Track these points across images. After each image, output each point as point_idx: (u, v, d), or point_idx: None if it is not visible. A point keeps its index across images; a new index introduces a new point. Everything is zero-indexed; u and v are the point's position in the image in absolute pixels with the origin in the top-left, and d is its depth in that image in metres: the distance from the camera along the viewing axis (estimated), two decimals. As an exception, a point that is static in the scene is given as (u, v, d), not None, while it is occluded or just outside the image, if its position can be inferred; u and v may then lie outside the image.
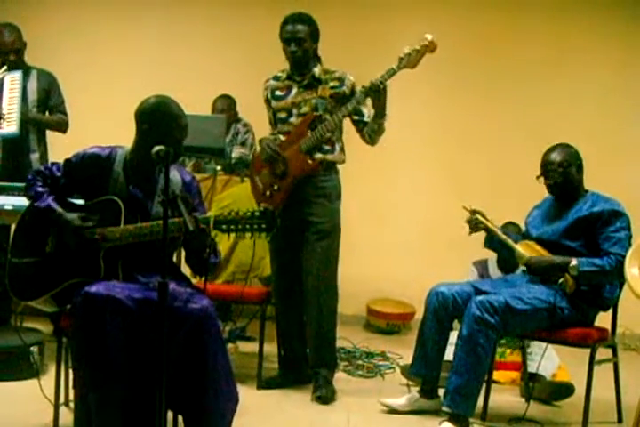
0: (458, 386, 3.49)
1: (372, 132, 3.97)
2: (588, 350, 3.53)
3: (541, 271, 3.64)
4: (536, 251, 3.70)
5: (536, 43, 5.85)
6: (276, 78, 4.10)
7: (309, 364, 4.07)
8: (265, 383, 4.08)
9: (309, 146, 3.91)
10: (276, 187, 3.99)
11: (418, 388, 3.87)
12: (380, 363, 4.72)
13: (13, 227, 3.30)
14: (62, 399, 3.35)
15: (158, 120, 3.03)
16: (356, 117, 3.99)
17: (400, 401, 3.80)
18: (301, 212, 3.96)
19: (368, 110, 3.96)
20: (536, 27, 5.86)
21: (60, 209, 3.07)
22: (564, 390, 4.06)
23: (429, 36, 3.73)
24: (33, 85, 4.72)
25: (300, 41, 3.92)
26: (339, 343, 4.41)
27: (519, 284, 3.75)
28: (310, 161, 3.92)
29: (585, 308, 3.62)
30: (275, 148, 3.94)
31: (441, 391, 3.71)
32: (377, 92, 3.77)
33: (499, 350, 4.19)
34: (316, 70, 4.00)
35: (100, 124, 5.48)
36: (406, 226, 5.89)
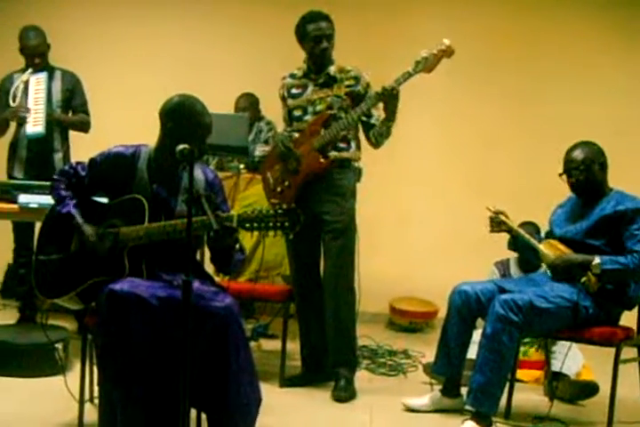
0: (481, 385, 3.48)
1: (379, 135, 3.98)
2: (613, 350, 3.51)
3: (564, 269, 3.62)
4: (559, 250, 3.68)
5: (559, 40, 5.81)
6: (293, 76, 4.11)
7: (330, 363, 4.07)
8: (287, 381, 4.09)
9: (322, 144, 3.92)
10: (287, 183, 4.00)
11: (440, 386, 3.87)
12: (403, 361, 4.71)
13: (38, 225, 3.34)
14: (87, 396, 3.38)
15: (182, 119, 3.05)
16: (364, 119, 3.99)
17: (422, 401, 3.80)
18: (315, 210, 3.95)
19: (378, 113, 3.96)
20: (559, 24, 5.82)
21: (79, 219, 3.10)
22: (589, 389, 4.04)
23: (447, 41, 3.72)
24: (57, 86, 4.77)
25: (329, 37, 3.94)
26: (361, 341, 4.42)
27: (542, 282, 3.73)
28: (322, 159, 3.92)
29: (609, 307, 3.59)
30: (288, 144, 3.95)
31: (464, 390, 3.70)
32: (390, 97, 3.77)
33: (522, 348, 4.18)
34: (332, 68, 4.00)
35: (121, 124, 5.49)
36: (429, 225, 5.88)
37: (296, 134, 4.03)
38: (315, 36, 3.93)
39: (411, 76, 3.75)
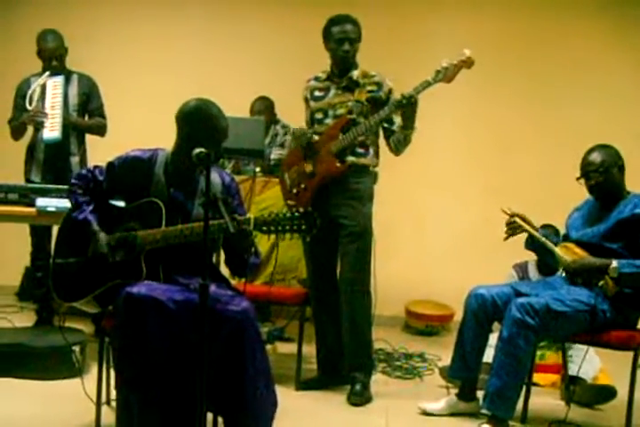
0: (497, 388, 3.47)
1: (397, 142, 3.98)
2: (630, 353, 3.49)
3: (581, 274, 3.60)
4: (575, 253, 3.66)
5: (579, 44, 5.80)
6: (317, 79, 4.13)
7: (346, 367, 4.06)
8: (303, 385, 4.10)
9: (340, 149, 3.92)
10: (303, 185, 4.01)
11: (456, 390, 3.86)
12: (419, 364, 4.71)
13: (55, 228, 3.36)
14: (104, 399, 3.40)
15: (199, 123, 3.06)
16: (385, 125, 4.00)
17: (438, 405, 3.79)
18: (332, 214, 3.96)
19: (399, 120, 3.95)
20: (579, 27, 5.80)
21: (95, 226, 3.12)
22: (606, 393, 4.02)
23: (467, 52, 3.71)
24: (74, 90, 4.79)
25: (353, 41, 3.95)
26: (377, 345, 4.41)
27: (559, 286, 3.71)
28: (339, 164, 3.92)
29: (627, 310, 3.57)
30: (307, 138, 3.97)
31: (480, 394, 3.69)
32: (408, 105, 3.77)
33: (539, 352, 4.16)
34: (355, 73, 4.01)
35: (138, 127, 5.51)
36: (445, 228, 5.87)
37: (316, 137, 4.03)
38: (338, 38, 3.94)
39: (430, 86, 3.75)
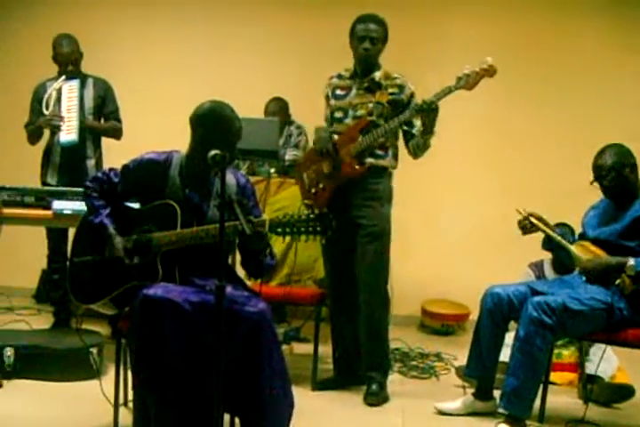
0: (514, 388, 3.47)
1: (416, 146, 3.97)
2: (648, 352, 3.48)
3: (598, 273, 3.59)
4: (592, 252, 3.65)
5: (592, 45, 5.77)
6: (340, 77, 4.11)
7: (362, 367, 4.07)
8: (320, 385, 4.10)
9: (359, 150, 3.92)
10: (321, 185, 4.01)
11: (473, 389, 3.85)
12: (435, 364, 4.70)
13: (72, 231, 3.38)
14: (122, 400, 3.41)
15: (213, 124, 3.07)
16: (406, 128, 3.99)
17: (455, 405, 3.79)
18: (352, 215, 3.96)
19: (419, 123, 3.95)
20: (592, 30, 5.78)
21: (111, 230, 3.14)
22: (624, 392, 4.00)
23: (490, 60, 3.70)
24: (89, 93, 4.81)
25: (374, 40, 3.93)
26: (393, 344, 4.41)
27: (576, 284, 3.70)
28: (358, 166, 3.92)
29: (644, 308, 3.56)
30: (327, 145, 3.95)
31: (496, 393, 3.69)
32: (428, 111, 3.77)
33: (555, 351, 4.15)
34: (377, 74, 3.99)
35: (153, 130, 5.54)
36: (460, 227, 5.85)
37: (335, 136, 4.03)
38: (360, 36, 3.93)
39: (451, 92, 3.74)
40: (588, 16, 5.79)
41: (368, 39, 3.92)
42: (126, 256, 3.08)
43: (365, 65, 3.99)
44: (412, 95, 3.98)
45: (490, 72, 3.71)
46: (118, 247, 3.09)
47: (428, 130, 3.86)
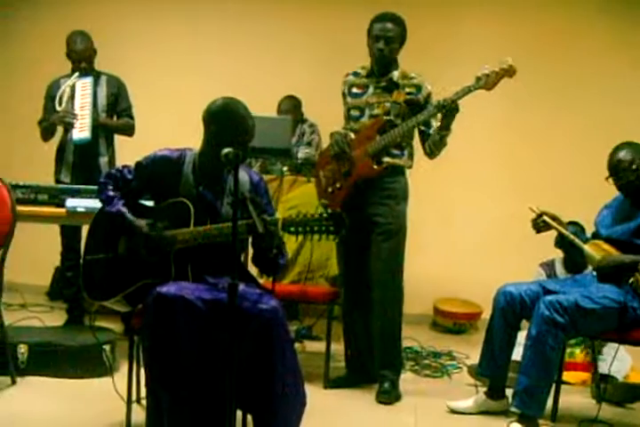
0: (527, 387, 3.46)
1: (433, 144, 3.96)
2: (662, 351, 3.47)
3: (611, 271, 3.57)
4: (605, 250, 3.64)
5: (606, 43, 5.75)
6: (356, 75, 4.10)
7: (375, 365, 4.06)
8: (332, 383, 4.10)
9: (376, 150, 3.91)
10: (338, 185, 4.01)
11: (485, 388, 3.85)
12: (447, 363, 4.70)
13: (85, 228, 3.39)
14: (134, 397, 3.42)
15: (225, 122, 3.07)
16: (422, 128, 3.98)
17: (467, 403, 3.78)
18: (368, 213, 3.96)
19: (436, 124, 3.94)
20: (605, 30, 5.76)
21: (129, 216, 3.14)
22: (638, 391, 3.99)
23: (510, 60, 3.69)
24: (103, 91, 4.82)
25: (389, 40, 3.92)
26: (405, 343, 4.41)
27: (588, 283, 3.69)
28: (375, 166, 3.92)
29: (658, 308, 3.54)
30: (343, 146, 3.94)
31: (509, 392, 3.68)
32: (449, 110, 3.77)
33: (568, 350, 4.14)
34: (395, 73, 3.98)
35: (166, 127, 5.56)
36: (473, 226, 5.85)
37: (352, 135, 4.03)
38: (375, 35, 3.92)
39: (470, 92, 3.73)
40: (605, 17, 5.77)
41: (383, 39, 3.91)
42: (156, 234, 3.06)
43: (381, 64, 3.98)
44: (428, 95, 3.97)
45: (510, 72, 3.70)
46: (142, 225, 3.08)
47: (446, 126, 3.85)
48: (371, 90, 4.02)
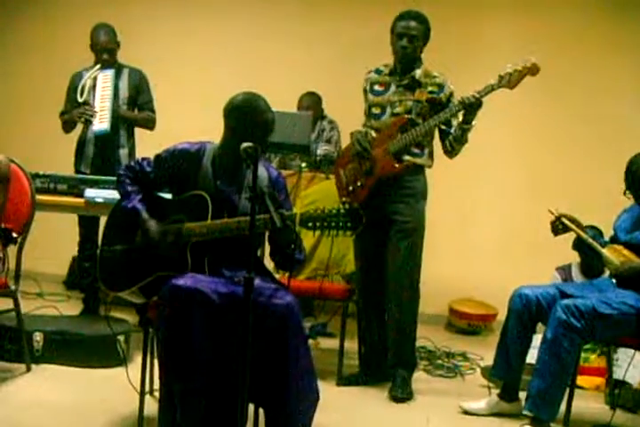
0: (540, 390, 3.44)
1: (454, 139, 3.94)
2: (678, 358, 3.44)
3: (630, 277, 3.55)
4: (623, 255, 3.61)
5: (624, 49, 5.71)
6: (378, 72, 4.08)
7: (388, 363, 4.06)
8: (345, 380, 4.10)
9: (397, 149, 3.90)
10: (359, 183, 4.00)
11: (498, 390, 3.83)
12: (461, 363, 4.68)
13: (103, 219, 3.40)
14: (147, 388, 3.42)
15: (245, 116, 3.07)
16: (443, 127, 3.96)
17: (479, 405, 3.77)
18: (386, 210, 3.96)
19: (457, 122, 3.92)
20: (624, 35, 5.72)
21: (144, 214, 3.14)
22: (652, 398, 3.96)
23: (533, 58, 3.68)
24: (124, 83, 4.84)
25: (413, 38, 3.90)
26: (419, 342, 4.40)
27: (606, 288, 3.66)
28: (396, 164, 3.91)
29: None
30: (365, 144, 3.94)
31: (522, 395, 3.66)
32: (471, 108, 3.76)
33: (583, 354, 4.11)
34: (418, 72, 3.96)
35: (187, 121, 5.56)
36: (490, 227, 5.83)
37: (373, 133, 4.02)
38: (398, 33, 3.91)
39: (493, 90, 3.73)
40: (629, 21, 5.72)
41: (407, 37, 3.89)
42: (162, 240, 3.08)
43: (404, 63, 3.96)
44: (451, 95, 3.95)
45: (533, 71, 3.68)
46: (152, 230, 3.10)
47: (468, 121, 3.84)
48: (393, 88, 4.01)
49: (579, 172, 5.72)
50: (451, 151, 4.00)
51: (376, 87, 4.05)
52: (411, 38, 3.90)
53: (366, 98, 4.10)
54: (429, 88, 3.95)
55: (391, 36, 3.97)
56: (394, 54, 3.98)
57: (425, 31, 3.94)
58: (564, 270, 4.78)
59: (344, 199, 3.93)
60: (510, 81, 3.70)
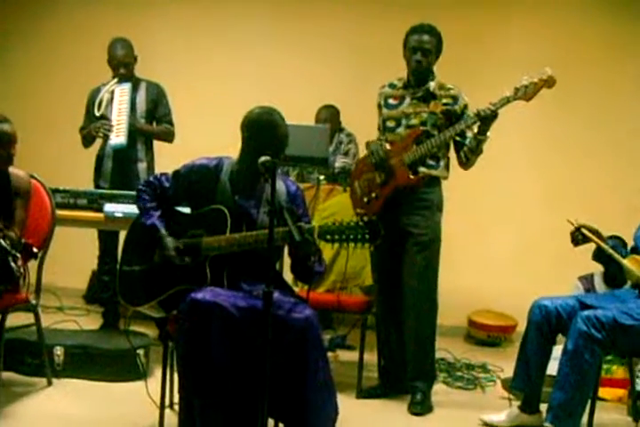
0: (562, 402, 3.41)
1: (469, 151, 3.94)
2: (701, 370, 3.40)
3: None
4: (645, 266, 3.59)
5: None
6: (392, 86, 4.10)
7: (408, 375, 4.05)
8: (364, 393, 4.09)
9: (412, 160, 3.91)
10: (374, 195, 4.00)
11: (519, 402, 3.81)
12: (481, 375, 4.66)
13: (123, 233, 3.42)
14: (167, 402, 3.44)
15: (259, 130, 3.10)
16: (458, 138, 3.96)
17: (500, 417, 3.74)
18: (403, 223, 3.96)
19: (471, 134, 3.93)
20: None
21: (162, 231, 3.17)
22: (674, 410, 3.92)
23: (549, 70, 3.67)
24: (142, 97, 4.87)
25: (427, 52, 3.92)
26: (439, 354, 4.38)
27: (627, 299, 3.63)
28: (412, 176, 3.91)
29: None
30: (382, 155, 3.94)
31: (543, 407, 3.63)
32: (487, 120, 3.76)
33: (605, 366, 4.08)
34: (432, 84, 3.97)
35: (205, 134, 5.60)
36: (508, 237, 5.80)
37: (387, 145, 4.02)
38: (412, 47, 3.92)
39: (509, 102, 3.73)
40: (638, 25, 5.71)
41: (420, 51, 3.90)
42: (177, 256, 3.10)
43: (419, 76, 3.97)
44: (465, 106, 3.96)
45: (549, 83, 3.68)
46: (169, 247, 3.12)
47: (483, 133, 3.84)
48: (407, 100, 4.02)
49: (595, 181, 5.70)
50: (465, 163, 4.00)
51: (390, 101, 4.06)
52: (425, 52, 3.91)
53: (380, 112, 4.11)
54: (444, 100, 3.96)
55: (404, 50, 3.98)
56: (408, 67, 4.00)
57: (437, 44, 3.95)
58: (587, 280, 4.75)
59: (359, 211, 3.94)
60: (526, 93, 3.70)
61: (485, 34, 5.85)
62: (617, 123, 5.69)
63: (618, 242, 4.09)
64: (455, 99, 3.96)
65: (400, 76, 4.08)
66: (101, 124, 4.66)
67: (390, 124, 4.04)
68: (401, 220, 3.96)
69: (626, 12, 5.74)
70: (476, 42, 5.78)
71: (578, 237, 3.70)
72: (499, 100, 3.74)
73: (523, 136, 5.78)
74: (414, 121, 3.97)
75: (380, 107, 4.11)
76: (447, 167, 4.05)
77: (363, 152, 4.49)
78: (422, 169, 3.94)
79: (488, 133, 3.85)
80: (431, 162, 3.96)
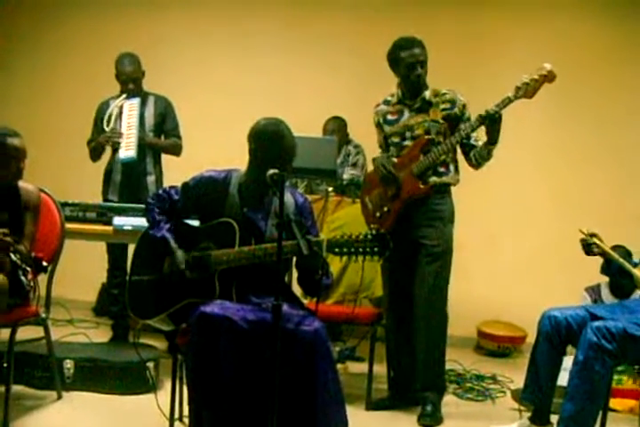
0: (572, 414, 3.39)
1: (479, 157, 3.95)
2: None
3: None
4: (655, 276, 3.58)
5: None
6: (387, 103, 4.12)
7: (417, 387, 4.03)
8: (374, 405, 4.08)
9: (421, 170, 3.91)
10: (386, 208, 4.01)
11: (529, 414, 3.79)
12: (491, 386, 4.64)
13: (132, 246, 3.43)
14: (177, 415, 3.44)
15: (266, 142, 3.12)
16: (464, 140, 3.97)
17: (511, 428, 3.74)
18: (414, 234, 3.96)
19: (476, 134, 3.93)
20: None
21: (172, 243, 3.18)
22: (686, 420, 3.90)
23: (548, 66, 3.66)
24: (150, 111, 4.90)
25: (423, 64, 3.94)
26: (448, 365, 4.37)
27: (637, 309, 3.62)
28: (422, 186, 3.92)
29: None
30: (389, 168, 3.95)
31: (554, 418, 3.62)
32: (492, 121, 3.76)
33: (616, 376, 4.06)
34: (427, 93, 3.99)
35: (213, 147, 5.61)
36: (518, 248, 5.79)
37: (394, 159, 4.03)
38: (409, 63, 3.92)
39: (511, 102, 3.72)
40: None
41: (418, 64, 3.92)
42: (187, 269, 3.11)
43: (416, 88, 3.99)
44: (464, 107, 3.98)
45: (549, 78, 3.66)
46: (180, 260, 3.13)
47: (493, 140, 3.84)
48: (406, 113, 4.03)
49: (606, 191, 5.68)
50: (476, 165, 4.01)
51: (389, 117, 4.08)
52: (422, 64, 3.93)
53: (381, 130, 4.13)
54: (442, 106, 3.97)
55: (395, 67, 3.98)
56: (404, 83, 4.00)
57: (426, 53, 3.97)
58: (594, 290, 4.74)
59: (372, 226, 3.93)
60: (527, 91, 3.69)
61: (486, 34, 5.85)
62: (624, 132, 5.68)
63: (622, 251, 4.09)
64: (452, 102, 3.98)
65: (390, 92, 4.10)
66: (111, 134, 4.68)
67: (395, 139, 4.05)
68: (413, 231, 3.96)
69: (634, 19, 5.74)
70: (476, 42, 5.79)
71: (591, 247, 3.69)
72: (501, 101, 3.73)
73: (531, 147, 5.77)
74: (418, 131, 3.98)
75: (379, 125, 4.13)
76: (457, 170, 4.06)
77: (371, 164, 4.50)
78: (434, 178, 3.95)
79: (499, 139, 3.85)
80: (441, 169, 3.97)
